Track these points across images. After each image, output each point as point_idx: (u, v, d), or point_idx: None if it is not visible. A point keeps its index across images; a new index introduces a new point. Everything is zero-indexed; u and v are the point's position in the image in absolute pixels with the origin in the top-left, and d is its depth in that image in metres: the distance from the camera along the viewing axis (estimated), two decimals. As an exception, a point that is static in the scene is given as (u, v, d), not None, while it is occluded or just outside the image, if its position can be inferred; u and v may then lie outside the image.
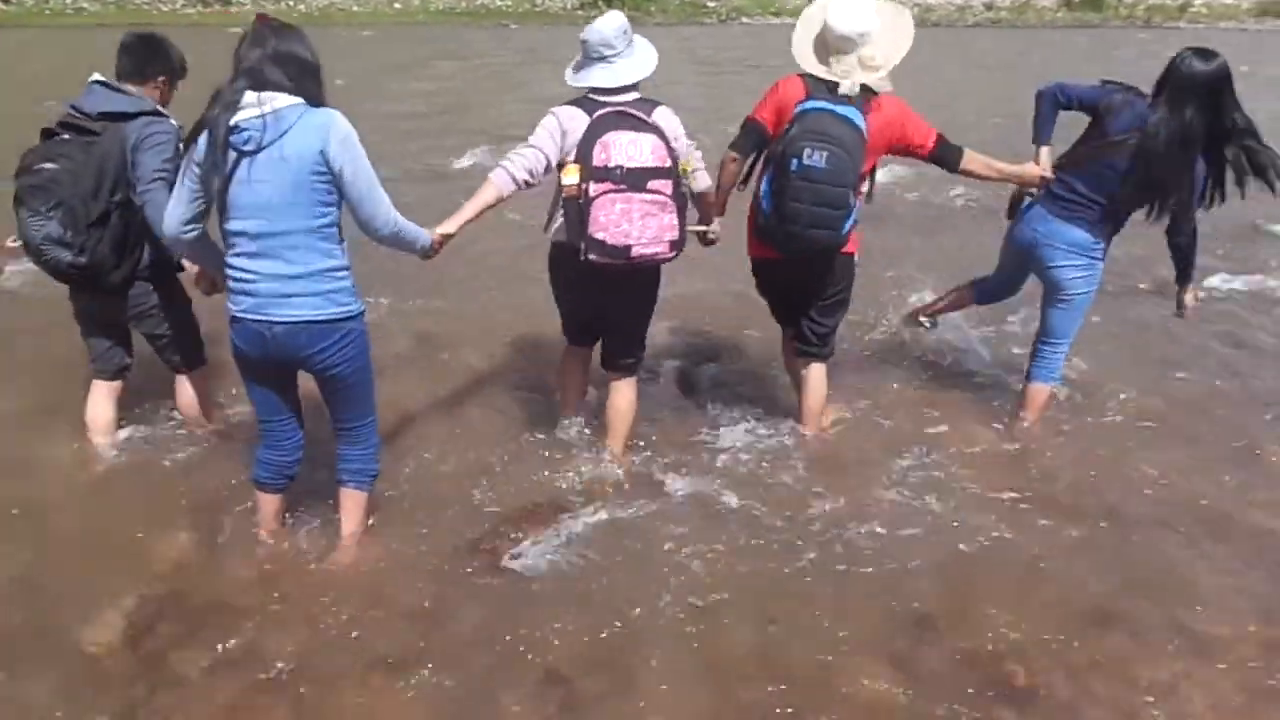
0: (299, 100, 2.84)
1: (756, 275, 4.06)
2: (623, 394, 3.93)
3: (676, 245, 3.47)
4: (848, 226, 3.61)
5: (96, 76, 3.57)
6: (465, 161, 9.43)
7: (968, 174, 3.87)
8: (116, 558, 3.36)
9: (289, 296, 2.93)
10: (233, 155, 2.81)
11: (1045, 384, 4.27)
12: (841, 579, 3.33)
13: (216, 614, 3.09)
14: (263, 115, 2.79)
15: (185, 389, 4.04)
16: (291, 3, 37.89)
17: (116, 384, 3.97)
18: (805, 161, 3.44)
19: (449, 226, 3.38)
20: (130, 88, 3.56)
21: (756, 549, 3.48)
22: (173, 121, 3.53)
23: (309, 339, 2.98)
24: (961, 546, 3.50)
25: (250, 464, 3.43)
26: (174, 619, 3.08)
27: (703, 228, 3.83)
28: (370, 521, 3.47)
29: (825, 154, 3.43)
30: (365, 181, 2.91)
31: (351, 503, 3.38)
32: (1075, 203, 3.95)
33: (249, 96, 2.81)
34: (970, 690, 2.83)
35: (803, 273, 3.85)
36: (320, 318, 2.97)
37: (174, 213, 2.98)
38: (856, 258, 3.92)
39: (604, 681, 2.86)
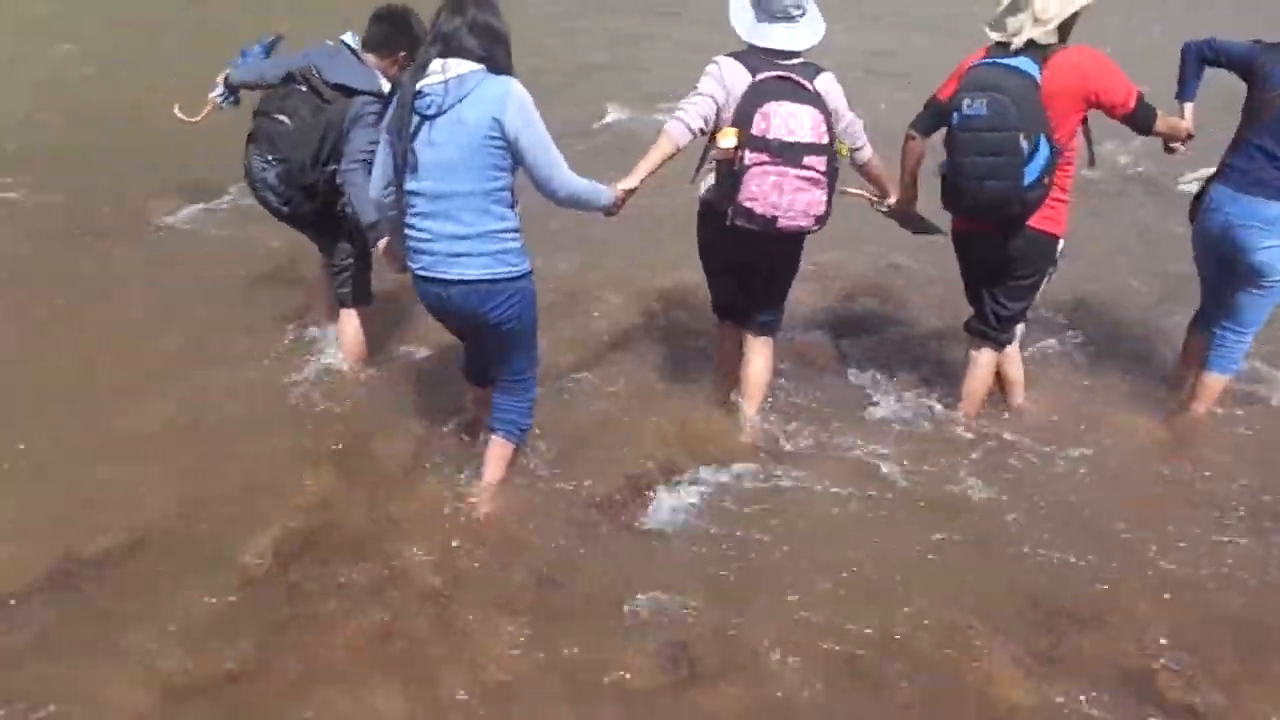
0: (480, 67, 2.93)
1: (957, 251, 3.90)
2: (759, 355, 3.90)
3: (821, 219, 3.44)
4: (1030, 178, 3.38)
5: (346, 37, 3.76)
6: (606, 120, 9.37)
7: (1157, 134, 3.62)
8: (270, 489, 3.50)
9: (459, 256, 3.05)
10: (416, 119, 2.94)
11: (1224, 374, 3.97)
12: (984, 567, 3.20)
13: (355, 550, 3.19)
14: (445, 81, 2.91)
15: (348, 324, 4.22)
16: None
17: (354, 310, 4.19)
18: (965, 112, 3.37)
19: (630, 181, 3.41)
20: (371, 58, 3.74)
21: (895, 528, 3.38)
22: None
23: (479, 298, 3.11)
24: (1121, 540, 3.34)
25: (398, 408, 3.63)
26: (316, 551, 3.19)
27: (868, 196, 3.80)
28: (510, 473, 3.53)
29: (985, 100, 3.33)
30: (540, 147, 2.98)
31: (498, 451, 3.46)
32: (1264, 170, 3.63)
33: (435, 64, 2.93)
34: (1111, 697, 2.69)
35: (996, 249, 3.68)
36: (489, 277, 3.07)
37: (377, 179, 3.16)
38: (1061, 243, 3.70)
39: (726, 654, 2.83)
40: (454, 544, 3.23)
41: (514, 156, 2.99)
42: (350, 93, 3.67)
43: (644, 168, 3.45)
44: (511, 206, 3.09)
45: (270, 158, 3.73)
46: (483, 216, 3.02)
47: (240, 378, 4.25)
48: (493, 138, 2.93)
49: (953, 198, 3.56)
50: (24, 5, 13.05)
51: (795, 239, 3.62)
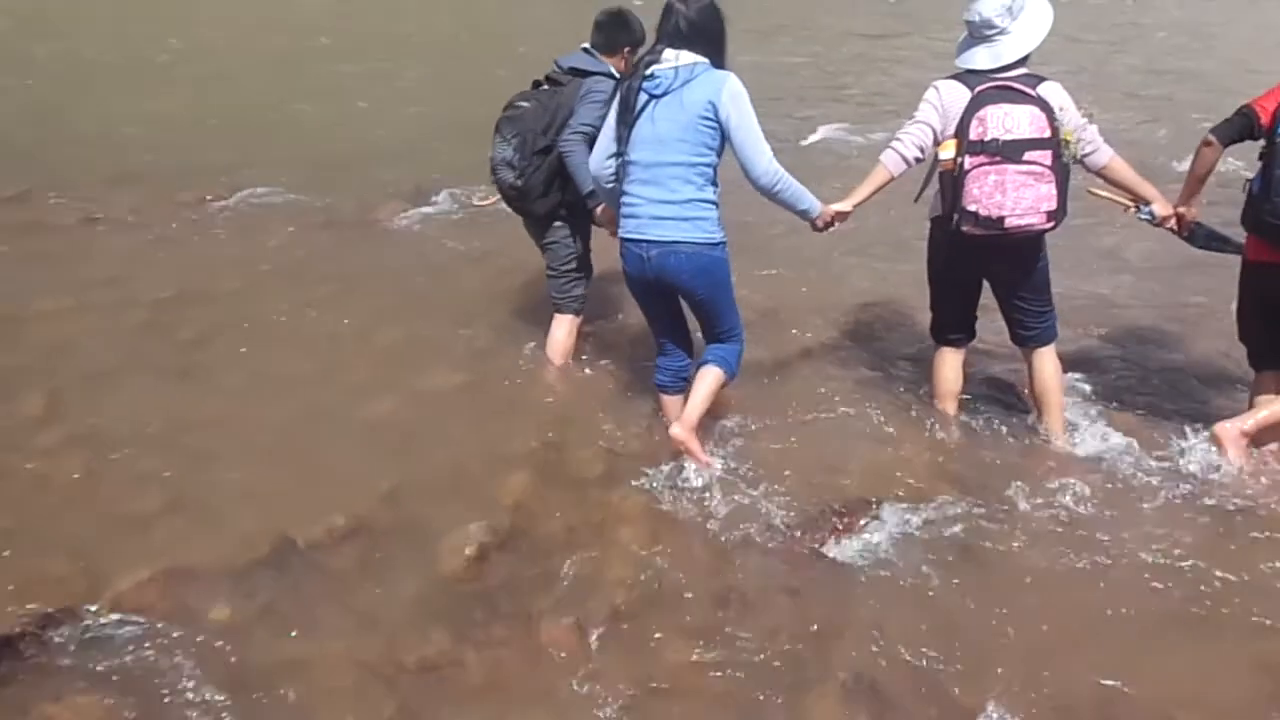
0: (705, 60, 3.33)
1: (1243, 285, 3.64)
2: (1043, 365, 3.81)
3: (1054, 215, 3.37)
4: None
5: (584, 45, 4.14)
6: (816, 136, 9.26)
7: None
8: (475, 487, 3.64)
9: (663, 219, 3.38)
10: (644, 97, 3.34)
11: None
12: (1202, 631, 2.90)
13: (547, 555, 3.26)
14: (676, 67, 3.32)
15: (559, 327, 4.43)
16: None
17: (568, 316, 4.43)
18: None
19: (844, 205, 3.62)
20: (601, 57, 4.09)
21: (1104, 580, 3.12)
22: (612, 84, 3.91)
23: (677, 261, 3.40)
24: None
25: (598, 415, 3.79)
26: (512, 552, 3.29)
27: (1123, 200, 3.68)
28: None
29: None
30: (748, 132, 3.31)
31: (706, 379, 3.61)
32: None
33: (668, 53, 3.34)
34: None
35: None
36: (686, 238, 3.38)
37: (599, 151, 3.56)
38: None
39: (919, 696, 2.68)
40: (643, 557, 3.24)
41: (721, 138, 3.32)
42: (583, 74, 4.03)
43: (860, 194, 3.64)
44: (713, 184, 3.41)
45: (509, 135, 4.07)
46: (687, 186, 3.36)
47: (456, 376, 4.48)
48: (706, 118, 3.29)
49: (1261, 218, 3.31)
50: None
51: (1030, 243, 3.52)
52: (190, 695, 2.63)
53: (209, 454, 3.83)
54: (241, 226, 6.72)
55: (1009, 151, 3.32)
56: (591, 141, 3.72)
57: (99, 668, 2.71)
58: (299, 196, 7.29)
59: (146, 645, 2.80)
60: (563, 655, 2.83)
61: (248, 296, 5.45)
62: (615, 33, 4.10)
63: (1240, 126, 3.41)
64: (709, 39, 3.34)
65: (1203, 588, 3.09)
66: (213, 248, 6.32)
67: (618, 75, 3.99)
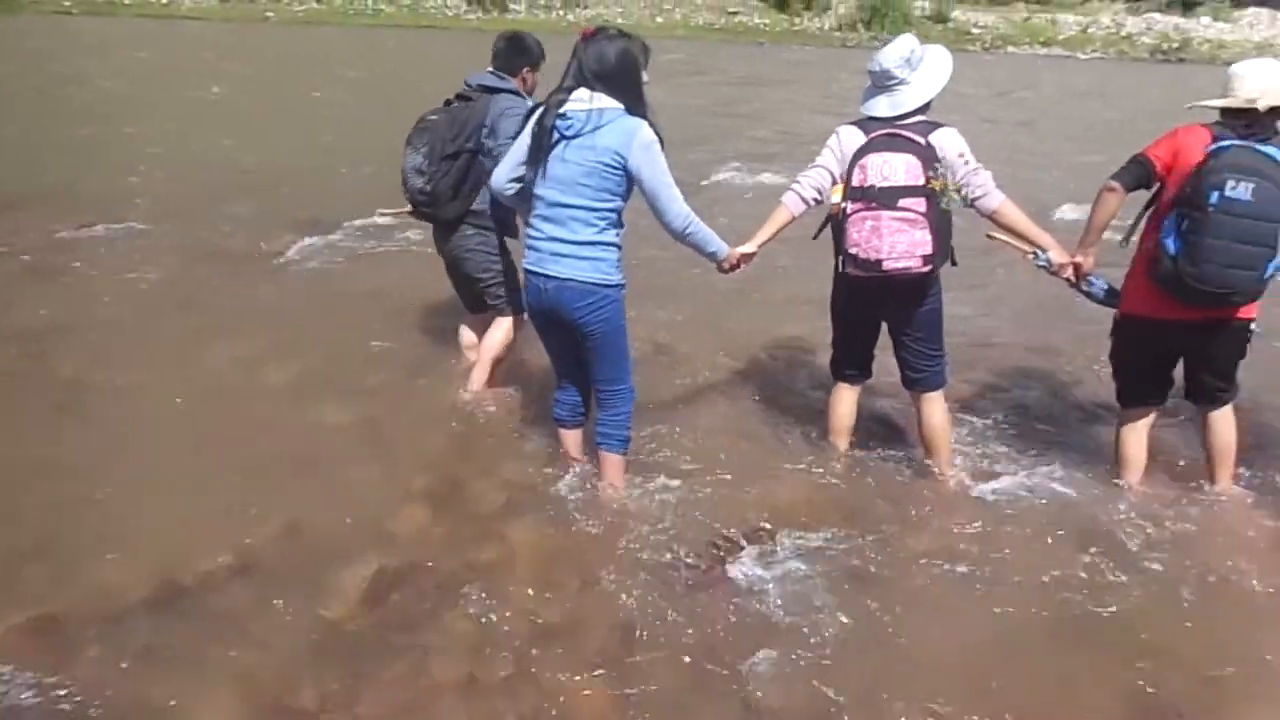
0: (620, 106, 3.33)
1: (1130, 336, 3.78)
2: (931, 410, 3.95)
3: (930, 260, 3.51)
4: (1269, 271, 3.35)
5: (490, 69, 4.32)
6: (717, 176, 9.50)
7: None
8: (370, 523, 3.57)
9: (563, 257, 3.41)
10: (556, 135, 3.35)
11: None
12: (1071, 649, 3.04)
13: (444, 593, 3.20)
14: (589, 110, 3.32)
15: (497, 329, 4.51)
16: (562, 12, 39.81)
17: (480, 315, 4.62)
18: (1228, 194, 3.28)
19: (749, 247, 3.71)
20: (506, 76, 4.29)
21: (981, 605, 3.24)
22: (528, 103, 4.14)
23: (571, 296, 3.43)
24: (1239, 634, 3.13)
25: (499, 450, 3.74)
26: (408, 589, 3.22)
27: (1021, 247, 3.77)
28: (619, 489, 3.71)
29: (1252, 186, 3.26)
30: (659, 184, 3.36)
31: (606, 464, 3.74)
32: None
33: (582, 93, 3.35)
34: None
35: (1196, 338, 3.63)
36: (583, 279, 3.40)
37: (501, 171, 3.58)
38: (1255, 327, 3.61)
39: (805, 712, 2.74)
40: (541, 594, 3.22)
41: (636, 186, 3.37)
42: (492, 90, 4.22)
43: (761, 235, 3.74)
44: (616, 227, 3.45)
45: (419, 145, 4.22)
46: (587, 229, 3.39)
47: (349, 411, 4.41)
48: (612, 167, 3.32)
49: (1186, 287, 3.41)
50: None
51: (913, 285, 3.64)
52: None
53: (84, 493, 3.67)
54: (122, 257, 6.50)
55: (884, 198, 3.46)
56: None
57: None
58: (185, 227, 7.10)
59: (15, 694, 2.64)
60: (459, 693, 2.78)
61: (129, 330, 5.28)
62: (512, 56, 4.30)
63: (1137, 174, 3.57)
64: (621, 84, 3.35)
65: (1074, 610, 3.24)
66: (92, 279, 6.09)
67: (521, 92, 4.23)
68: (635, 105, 3.36)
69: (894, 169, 3.46)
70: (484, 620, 3.07)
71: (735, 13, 42.11)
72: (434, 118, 4.24)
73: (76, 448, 3.98)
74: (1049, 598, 3.30)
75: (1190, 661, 3.03)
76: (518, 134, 3.88)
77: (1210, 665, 3.00)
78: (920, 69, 3.59)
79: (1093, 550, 3.55)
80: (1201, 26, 43.30)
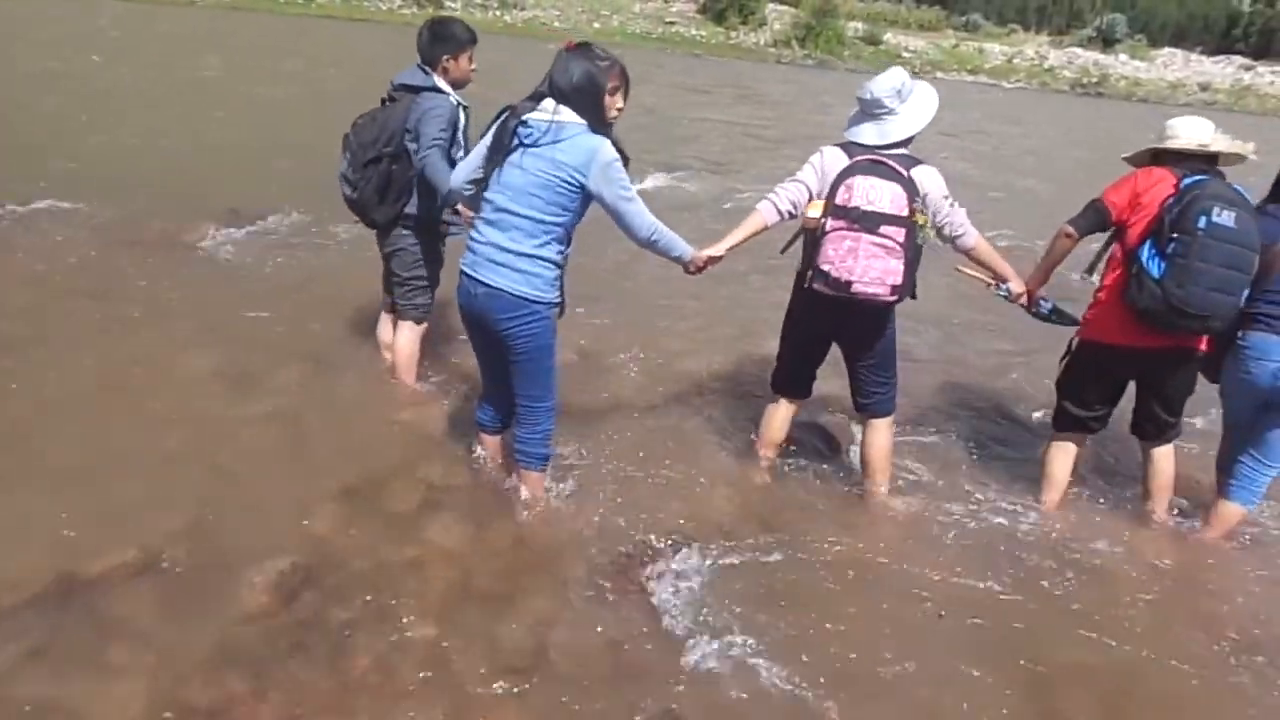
0: (582, 122, 3.28)
1: (1087, 362, 3.88)
2: (876, 435, 4.00)
3: (898, 289, 3.56)
4: (1244, 297, 3.53)
5: (418, 61, 4.22)
6: (646, 184, 9.54)
7: None
8: (280, 521, 3.49)
9: (498, 265, 3.34)
10: (515, 141, 3.31)
11: (1244, 506, 3.91)
12: (988, 655, 3.13)
13: (355, 591, 3.16)
14: (551, 122, 3.27)
15: (401, 334, 4.49)
16: (499, 12, 39.58)
17: (408, 323, 4.51)
18: (1215, 219, 3.41)
19: (716, 250, 3.69)
20: (433, 71, 4.18)
21: (898, 613, 3.32)
22: (451, 99, 4.12)
23: (500, 306, 3.36)
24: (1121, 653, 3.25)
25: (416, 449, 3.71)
26: (318, 588, 3.16)
27: (984, 279, 3.94)
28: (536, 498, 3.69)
29: (1234, 214, 3.41)
30: (621, 202, 3.31)
31: (529, 481, 3.71)
32: None
33: (548, 103, 3.30)
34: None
35: (1155, 367, 3.79)
36: (514, 291, 3.33)
37: (461, 171, 3.57)
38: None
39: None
40: (453, 593, 3.20)
41: (583, 203, 3.34)
42: (413, 90, 4.14)
43: (730, 240, 3.74)
44: (561, 243, 3.38)
45: (344, 152, 4.20)
46: (529, 240, 3.32)
47: (265, 405, 4.32)
48: (568, 183, 3.26)
49: (1166, 313, 3.50)
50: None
51: (877, 311, 3.70)
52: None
53: (-18, 482, 3.51)
54: (32, 239, 6.27)
55: (867, 221, 3.48)
56: (445, 153, 3.96)
57: None
58: (101, 212, 6.87)
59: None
60: (369, 694, 2.74)
61: (39, 315, 5.07)
62: (431, 46, 4.19)
63: (1093, 220, 3.71)
64: (582, 103, 3.28)
65: (977, 623, 3.34)
66: (2, 262, 5.83)
67: (446, 90, 4.15)
68: (598, 124, 3.30)
69: (880, 195, 3.49)
70: (397, 622, 3.03)
71: (672, 23, 42.39)
72: (360, 121, 4.19)
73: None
74: (958, 610, 3.39)
75: (1081, 685, 3.14)
76: (444, 132, 3.96)
77: (1105, 692, 3.11)
78: (909, 101, 3.64)
79: (1006, 570, 3.65)
80: (1120, 63, 45.10)
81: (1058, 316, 3.99)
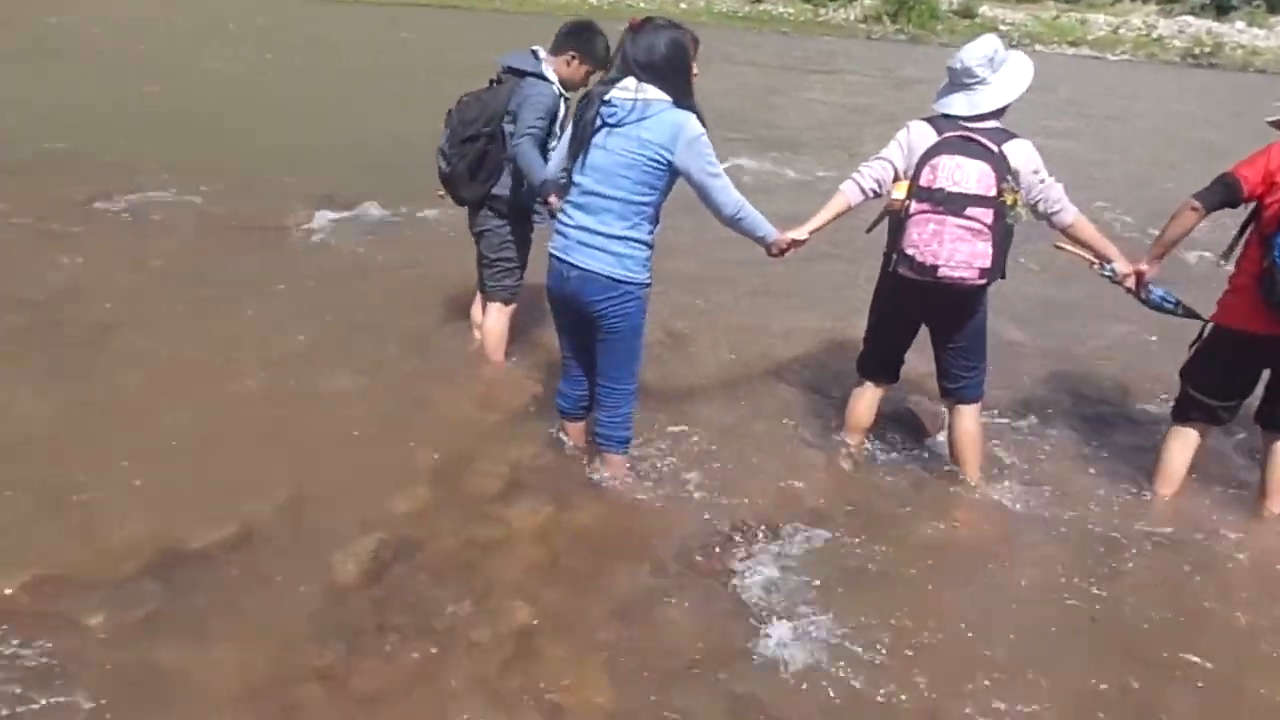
0: (666, 98, 3.25)
1: (1221, 346, 3.70)
2: (963, 421, 3.89)
3: (987, 273, 3.44)
4: None
5: (534, 47, 4.27)
6: (736, 163, 9.47)
7: None
8: (373, 497, 3.58)
9: (590, 248, 3.36)
10: (599, 122, 3.30)
11: None
12: (1075, 651, 3.03)
13: (445, 569, 3.22)
14: (634, 100, 3.25)
15: (490, 315, 4.57)
16: (592, -2, 39.61)
17: (496, 304, 4.57)
18: None
19: (800, 232, 3.61)
20: (545, 55, 4.21)
21: (984, 603, 3.23)
22: (555, 89, 4.13)
23: (593, 289, 3.38)
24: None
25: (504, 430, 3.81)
26: (408, 564, 3.23)
27: (1087, 258, 3.75)
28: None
29: None
30: (707, 177, 3.29)
31: (610, 464, 3.73)
32: None
33: (628, 81, 3.27)
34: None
35: None
36: (606, 273, 3.35)
37: (555, 161, 3.66)
38: None
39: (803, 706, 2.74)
40: (539, 572, 3.24)
41: (670, 180, 3.32)
42: (519, 74, 4.16)
43: (815, 222, 3.66)
44: (651, 222, 3.38)
45: (445, 126, 4.27)
46: (620, 222, 3.32)
47: (356, 384, 4.43)
48: (655, 160, 3.24)
49: None
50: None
51: (966, 294, 3.58)
52: (62, 701, 2.53)
53: (92, 457, 3.69)
54: (138, 226, 6.54)
55: (952, 203, 3.36)
56: (539, 142, 3.99)
57: (-37, 676, 2.58)
58: (201, 198, 7.14)
59: (16, 654, 2.67)
60: (454, 670, 2.79)
61: (142, 298, 5.29)
62: (567, 35, 4.19)
63: (1222, 195, 3.54)
64: (669, 75, 3.25)
65: (1078, 620, 3.23)
66: (105, 247, 6.12)
67: (551, 79, 4.13)
68: (683, 97, 3.27)
69: (966, 175, 3.37)
70: (482, 600, 3.08)
71: (759, 1, 41.85)
72: (465, 99, 4.26)
73: (84, 413, 4.01)
74: (1056, 606, 3.29)
75: (1190, 685, 3.01)
76: (542, 120, 3.97)
77: (1208, 691, 2.98)
78: (1001, 71, 3.50)
79: (1106, 563, 3.53)
80: (1235, 31, 42.79)
81: (1173, 306, 3.78)
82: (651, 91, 3.24)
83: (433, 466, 3.80)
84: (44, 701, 2.52)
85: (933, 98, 3.66)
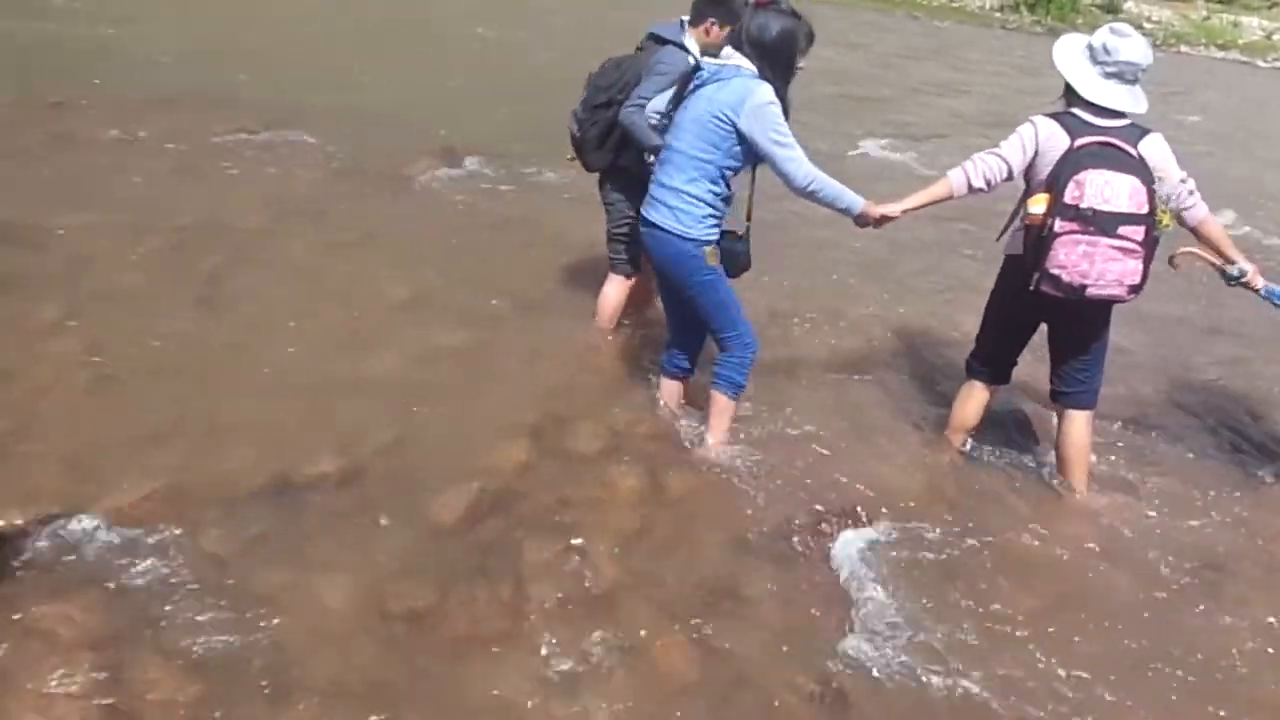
0: (749, 67, 3.36)
1: None
2: (1074, 428, 3.74)
3: (1135, 289, 3.31)
4: None
5: (684, 15, 4.18)
6: (859, 150, 9.30)
7: None
8: (473, 447, 3.66)
9: (658, 201, 3.52)
10: (693, 85, 3.46)
11: None
12: (1162, 678, 2.93)
13: (540, 523, 3.29)
14: (722, 64, 3.40)
15: (608, 284, 4.55)
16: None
17: (616, 276, 4.54)
18: None
19: (893, 209, 3.55)
20: (689, 28, 4.13)
21: (1080, 618, 3.15)
22: (690, 58, 3.94)
23: (654, 244, 3.56)
24: None
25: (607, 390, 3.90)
26: (504, 516, 3.30)
27: (1216, 264, 3.56)
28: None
29: None
30: (772, 145, 3.34)
31: (715, 406, 3.74)
32: None
33: (727, 50, 3.44)
34: None
35: None
36: (665, 226, 3.48)
37: (654, 103, 3.76)
38: None
39: (885, 709, 2.72)
40: (630, 535, 3.27)
41: (738, 143, 3.37)
42: (660, 40, 4.13)
43: (913, 201, 3.58)
44: (712, 181, 3.44)
45: (585, 89, 4.27)
46: (681, 175, 3.45)
47: (464, 337, 4.53)
48: (720, 120, 3.35)
49: None
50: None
51: (1102, 308, 3.47)
52: (182, 610, 2.68)
53: (215, 383, 3.88)
54: (270, 165, 6.76)
55: (1103, 223, 3.18)
56: (647, 113, 3.89)
57: (93, 574, 2.76)
58: (331, 142, 7.33)
59: (140, 558, 2.84)
60: (541, 621, 2.85)
61: (269, 235, 5.50)
62: (703, 5, 4.07)
63: None
64: (771, 58, 3.34)
65: (1178, 638, 3.13)
66: (240, 182, 6.36)
67: (691, 48, 4.05)
68: (776, 80, 3.34)
69: (1117, 192, 3.18)
70: (574, 557, 3.13)
71: (893, -17, 40.74)
72: (607, 64, 4.25)
73: (209, 342, 4.20)
74: (1155, 622, 3.19)
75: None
76: (659, 91, 3.90)
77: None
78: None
79: (1212, 584, 3.42)
80: (1402, 44, 39.88)
81: None
82: (738, 59, 3.36)
83: (534, 423, 3.86)
84: (163, 608, 2.68)
85: (1088, 88, 3.36)
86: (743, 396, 3.78)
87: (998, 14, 38.23)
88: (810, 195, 3.44)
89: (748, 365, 3.68)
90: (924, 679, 2.80)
